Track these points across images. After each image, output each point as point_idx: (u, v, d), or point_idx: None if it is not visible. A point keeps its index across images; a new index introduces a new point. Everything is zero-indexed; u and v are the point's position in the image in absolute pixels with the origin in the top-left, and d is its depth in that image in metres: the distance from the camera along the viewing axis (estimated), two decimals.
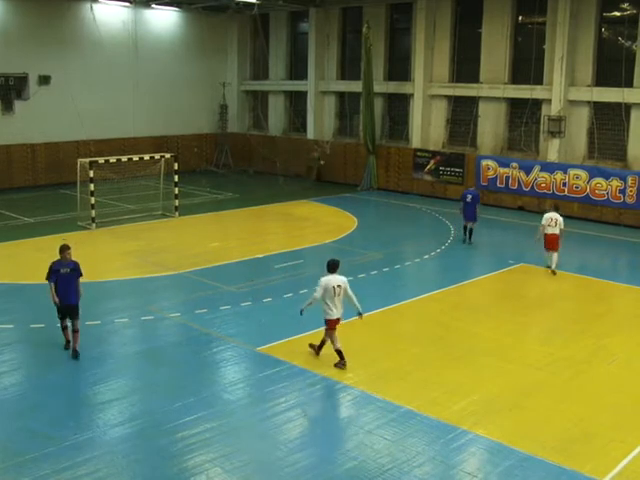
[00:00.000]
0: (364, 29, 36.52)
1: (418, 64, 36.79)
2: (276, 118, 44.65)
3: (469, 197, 25.90)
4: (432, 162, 35.88)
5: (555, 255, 22.23)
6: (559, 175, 31.32)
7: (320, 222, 28.58)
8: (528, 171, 32.31)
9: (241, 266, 22.61)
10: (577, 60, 31.80)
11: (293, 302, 18.79)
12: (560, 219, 22.24)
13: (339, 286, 14.40)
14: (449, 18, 35.86)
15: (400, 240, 27.08)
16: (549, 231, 22.18)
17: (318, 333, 16.40)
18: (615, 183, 29.78)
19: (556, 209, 22.98)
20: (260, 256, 23.52)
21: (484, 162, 33.92)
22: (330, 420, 12.51)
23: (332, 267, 14.56)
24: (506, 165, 33.05)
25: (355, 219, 29.98)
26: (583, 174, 30.72)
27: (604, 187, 30.07)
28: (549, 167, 31.77)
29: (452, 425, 12.22)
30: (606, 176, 30.11)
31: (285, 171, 39.81)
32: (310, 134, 41.94)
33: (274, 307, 18.44)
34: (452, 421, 12.36)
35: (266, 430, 12.07)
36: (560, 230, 22.18)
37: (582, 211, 30.71)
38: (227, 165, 44.03)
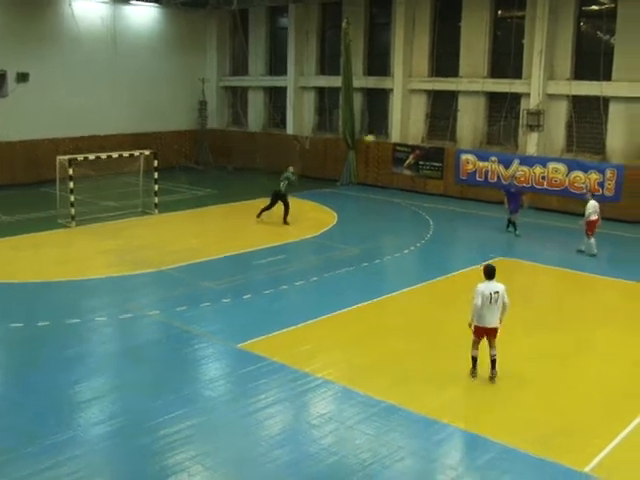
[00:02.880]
0: (343, 24, 36.51)
1: (397, 59, 36.82)
2: (255, 114, 44.57)
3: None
4: (411, 156, 35.92)
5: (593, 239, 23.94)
6: (538, 169, 31.46)
7: (300, 217, 28.50)
8: (507, 165, 32.43)
9: (221, 262, 22.55)
10: (556, 54, 31.95)
11: (273, 298, 18.88)
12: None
13: (496, 292, 13.64)
14: (428, 13, 35.91)
15: (380, 235, 27.14)
16: (594, 217, 23.76)
17: (298, 329, 16.50)
18: (594, 176, 29.94)
19: (593, 195, 24.98)
20: (243, 251, 23.51)
21: (463, 156, 34.01)
22: (311, 416, 12.50)
23: (489, 273, 13.82)
24: (485, 159, 33.15)
25: (335, 214, 29.99)
26: (562, 167, 30.87)
27: (583, 180, 30.22)
28: (528, 161, 31.89)
29: (433, 419, 12.26)
30: (585, 169, 30.27)
31: (266, 167, 39.68)
32: (290, 130, 41.91)
33: (254, 303, 18.39)
34: (433, 415, 12.40)
35: (247, 426, 12.06)
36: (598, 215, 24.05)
37: (561, 204, 30.84)
38: (206, 161, 43.92)
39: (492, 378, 13.89)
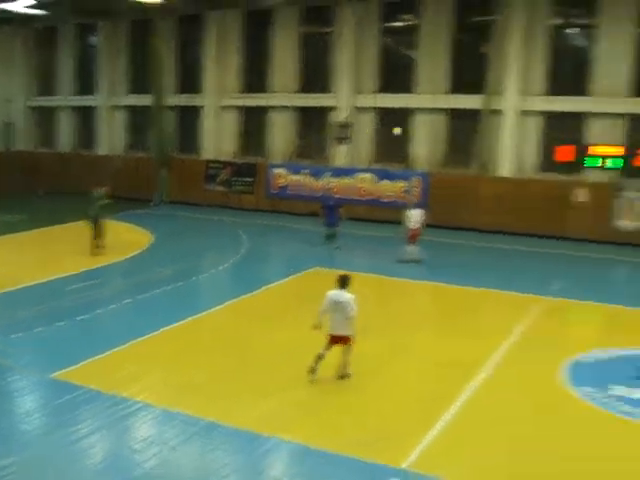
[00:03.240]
0: (154, 42, 36.30)
1: (209, 76, 37.05)
2: (66, 134, 43.48)
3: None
4: (224, 173, 36.13)
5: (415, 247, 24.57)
6: (347, 179, 32.42)
7: (114, 240, 27.82)
8: (318, 177, 33.20)
9: (32, 291, 21.65)
10: (363, 69, 33.19)
11: (88, 324, 18.41)
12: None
13: (340, 302, 14.09)
14: (239, 30, 36.46)
15: (195, 253, 27.17)
16: (417, 225, 24.27)
17: (114, 354, 16.19)
18: (400, 184, 31.19)
19: (418, 206, 25.33)
20: (55, 277, 22.75)
21: (275, 170, 34.56)
22: (133, 440, 12.34)
23: (339, 282, 14.35)
24: (297, 172, 33.82)
25: (150, 234, 29.73)
26: (370, 177, 31.97)
27: (390, 189, 31.40)
28: (338, 172, 32.83)
29: (255, 432, 12.35)
30: (392, 178, 31.50)
31: (77, 189, 38.60)
32: (101, 150, 41.15)
33: (68, 331, 17.83)
34: (255, 428, 12.49)
35: (68, 457, 11.69)
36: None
37: (370, 213, 31.90)
38: (14, 186, 42.19)
39: (341, 378, 14.51)
